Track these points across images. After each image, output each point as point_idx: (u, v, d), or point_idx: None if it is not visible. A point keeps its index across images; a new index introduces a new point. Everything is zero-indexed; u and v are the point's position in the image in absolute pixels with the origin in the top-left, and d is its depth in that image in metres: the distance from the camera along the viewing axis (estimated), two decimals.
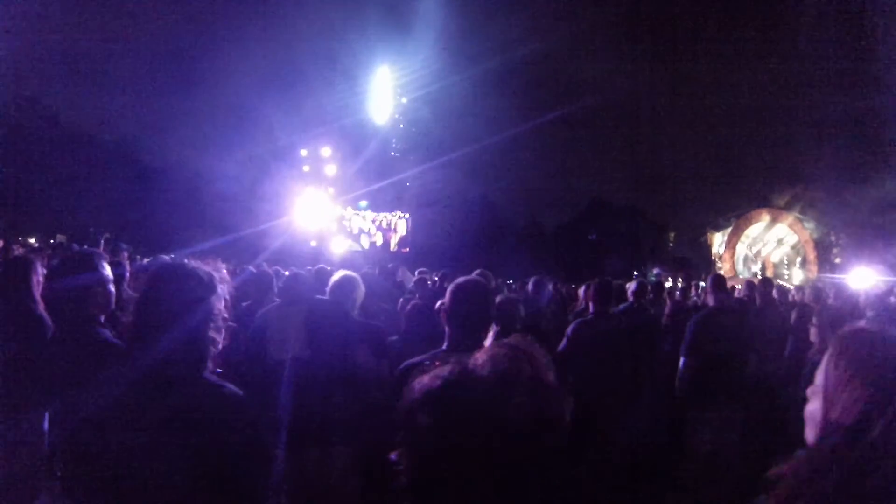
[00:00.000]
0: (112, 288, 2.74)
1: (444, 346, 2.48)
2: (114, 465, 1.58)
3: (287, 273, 4.83)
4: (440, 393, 0.95)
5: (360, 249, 20.03)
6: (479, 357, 0.99)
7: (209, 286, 1.78)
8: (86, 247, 9.01)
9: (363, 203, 23.06)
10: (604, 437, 4.38)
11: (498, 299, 3.63)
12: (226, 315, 1.84)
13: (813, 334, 4.20)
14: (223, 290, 1.83)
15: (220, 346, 1.79)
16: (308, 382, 3.51)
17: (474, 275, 5.30)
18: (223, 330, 1.80)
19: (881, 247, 22.83)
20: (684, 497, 4.86)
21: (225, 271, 1.91)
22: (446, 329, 2.49)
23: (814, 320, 4.43)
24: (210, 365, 1.75)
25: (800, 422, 1.44)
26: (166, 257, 4.94)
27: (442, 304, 2.60)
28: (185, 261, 1.83)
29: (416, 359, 2.38)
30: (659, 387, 5.05)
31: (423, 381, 0.97)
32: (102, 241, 13.33)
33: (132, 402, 1.63)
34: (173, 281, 1.75)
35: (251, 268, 7.14)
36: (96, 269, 2.67)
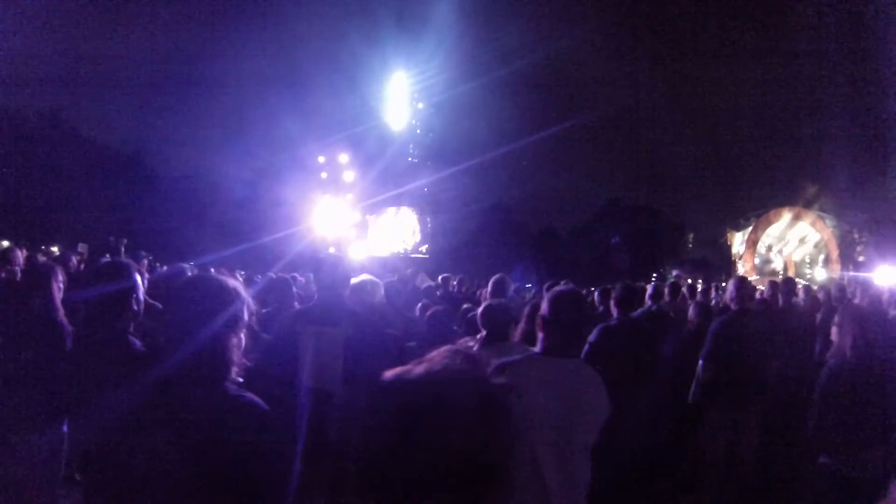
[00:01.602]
0: (142, 297, 2.77)
1: (537, 349, 2.61)
2: (133, 473, 1.59)
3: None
4: (394, 389, 1.01)
5: (380, 256, 20.06)
6: (428, 358, 1.05)
7: (233, 295, 1.78)
8: (108, 256, 9.12)
9: (392, 209, 23.12)
10: (624, 440, 4.34)
11: (485, 305, 3.62)
12: (253, 324, 1.84)
13: (834, 333, 3.99)
14: (247, 299, 1.84)
15: (246, 356, 1.79)
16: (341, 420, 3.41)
17: (493, 280, 5.32)
18: (247, 339, 1.81)
19: None
20: (700, 499, 4.81)
21: (241, 279, 1.91)
22: (540, 334, 2.61)
23: (835, 319, 4.22)
24: (234, 374, 1.75)
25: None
26: (185, 265, 4.96)
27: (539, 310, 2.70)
28: (211, 270, 1.85)
29: (509, 359, 2.51)
30: (679, 390, 4.99)
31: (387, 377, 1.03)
32: (122, 250, 13.48)
33: (153, 410, 1.64)
34: (196, 290, 1.77)
35: (271, 274, 7.13)
36: (130, 279, 2.69)
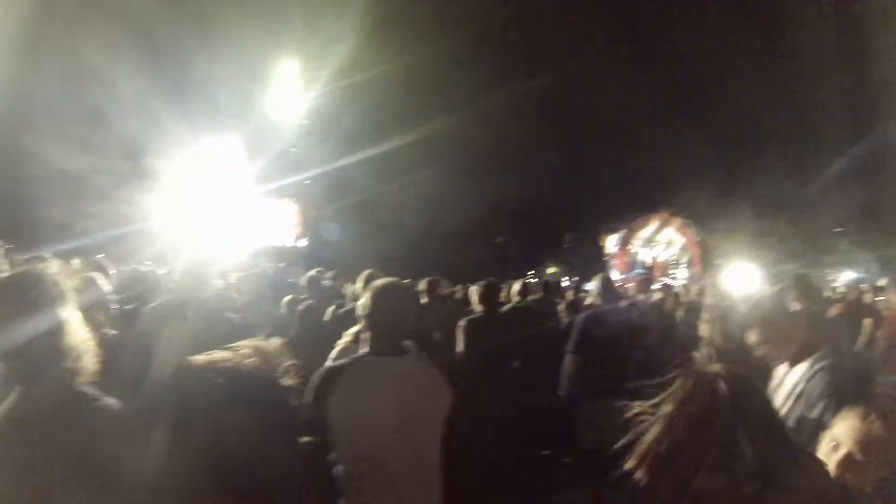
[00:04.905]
0: None
1: (364, 351, 2.43)
2: None
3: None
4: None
5: (259, 248, 19.40)
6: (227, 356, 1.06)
7: (51, 294, 1.65)
8: None
9: (273, 201, 22.36)
10: (492, 432, 4.42)
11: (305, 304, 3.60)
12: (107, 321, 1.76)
13: (704, 330, 4.46)
14: (101, 293, 1.76)
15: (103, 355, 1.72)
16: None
17: (363, 276, 5.25)
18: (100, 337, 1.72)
19: (755, 249, 24.70)
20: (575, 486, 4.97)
21: (98, 272, 1.82)
22: (365, 333, 2.45)
23: (703, 316, 4.73)
24: (87, 375, 1.66)
25: None
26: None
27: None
28: (36, 265, 1.75)
29: (337, 363, 2.41)
30: (548, 382, 5.16)
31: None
32: None
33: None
34: (14, 293, 1.63)
35: (138, 266, 6.63)
36: None
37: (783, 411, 2.65)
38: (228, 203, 18.42)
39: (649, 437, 1.46)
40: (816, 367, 2.67)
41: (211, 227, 16.00)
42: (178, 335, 3.37)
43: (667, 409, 1.35)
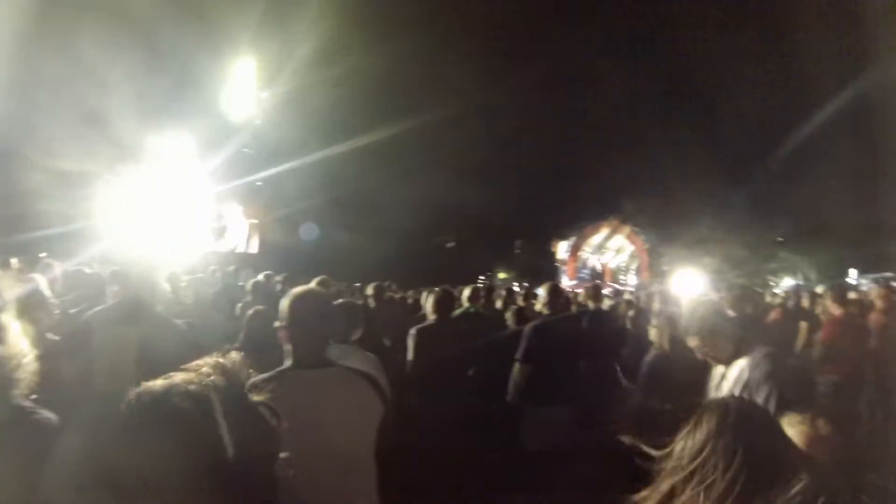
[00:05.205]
0: None
1: (288, 363, 2.33)
2: None
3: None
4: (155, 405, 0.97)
5: (212, 249, 18.97)
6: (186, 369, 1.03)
7: None
8: None
9: (226, 203, 21.86)
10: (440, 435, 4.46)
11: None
12: (43, 325, 1.70)
13: (654, 334, 4.73)
14: (34, 296, 1.70)
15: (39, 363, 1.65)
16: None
17: (314, 282, 5.23)
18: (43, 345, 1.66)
19: (701, 256, 25.44)
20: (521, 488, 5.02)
21: (39, 273, 1.76)
22: (287, 345, 2.33)
23: (653, 322, 4.98)
24: (25, 386, 1.59)
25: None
26: None
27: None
28: None
29: (261, 377, 2.17)
30: (497, 388, 5.21)
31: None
32: None
33: None
34: None
35: (84, 268, 6.34)
36: None
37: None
38: (178, 203, 17.96)
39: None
40: (759, 357, 2.98)
41: (160, 228, 15.59)
42: (124, 341, 3.25)
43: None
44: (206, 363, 1.03)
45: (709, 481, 1.18)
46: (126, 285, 3.68)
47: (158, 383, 0.98)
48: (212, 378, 0.99)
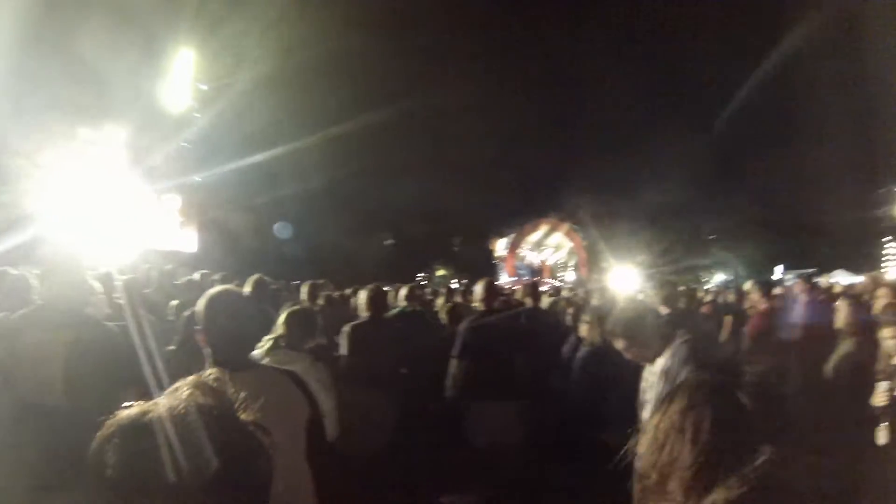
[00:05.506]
0: None
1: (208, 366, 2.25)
2: None
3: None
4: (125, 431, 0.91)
5: (148, 247, 18.25)
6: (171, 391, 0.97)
7: None
8: None
9: (163, 198, 21.05)
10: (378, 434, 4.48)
11: None
12: None
13: (583, 330, 4.83)
14: None
15: None
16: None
17: (251, 280, 5.16)
18: None
19: (638, 253, 26.26)
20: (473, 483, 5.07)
21: None
22: (206, 348, 2.25)
23: (584, 318, 5.09)
24: None
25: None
26: None
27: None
28: None
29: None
30: (436, 386, 5.27)
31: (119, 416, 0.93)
32: None
33: None
34: None
35: (6, 269, 6.01)
36: None
37: (655, 392, 3.08)
38: (111, 199, 17.25)
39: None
40: (676, 345, 3.12)
41: (91, 225, 14.97)
42: (50, 346, 3.11)
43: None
44: (186, 384, 0.98)
45: (677, 454, 1.21)
46: (53, 287, 3.44)
47: (136, 407, 0.93)
48: (195, 398, 0.95)
